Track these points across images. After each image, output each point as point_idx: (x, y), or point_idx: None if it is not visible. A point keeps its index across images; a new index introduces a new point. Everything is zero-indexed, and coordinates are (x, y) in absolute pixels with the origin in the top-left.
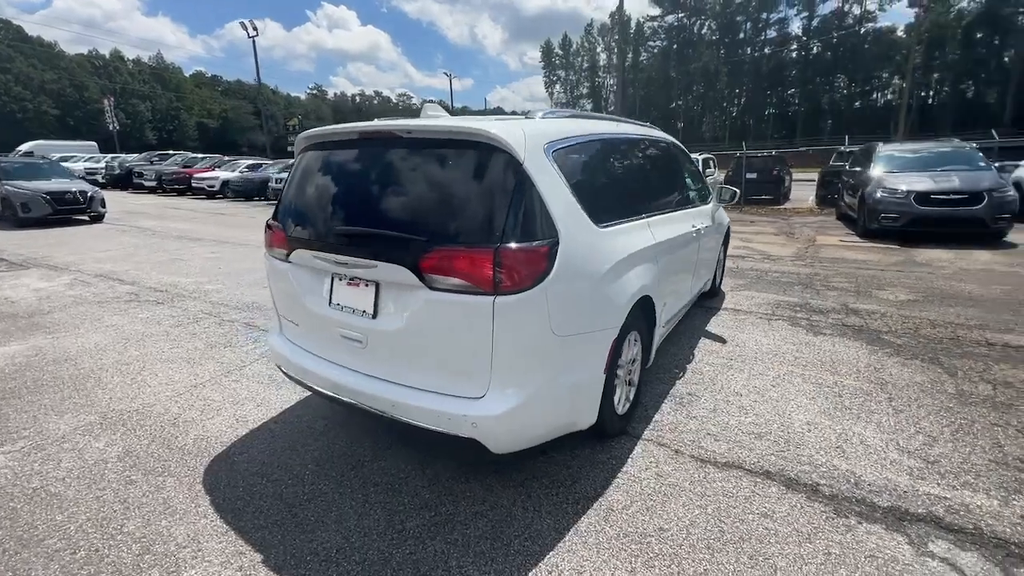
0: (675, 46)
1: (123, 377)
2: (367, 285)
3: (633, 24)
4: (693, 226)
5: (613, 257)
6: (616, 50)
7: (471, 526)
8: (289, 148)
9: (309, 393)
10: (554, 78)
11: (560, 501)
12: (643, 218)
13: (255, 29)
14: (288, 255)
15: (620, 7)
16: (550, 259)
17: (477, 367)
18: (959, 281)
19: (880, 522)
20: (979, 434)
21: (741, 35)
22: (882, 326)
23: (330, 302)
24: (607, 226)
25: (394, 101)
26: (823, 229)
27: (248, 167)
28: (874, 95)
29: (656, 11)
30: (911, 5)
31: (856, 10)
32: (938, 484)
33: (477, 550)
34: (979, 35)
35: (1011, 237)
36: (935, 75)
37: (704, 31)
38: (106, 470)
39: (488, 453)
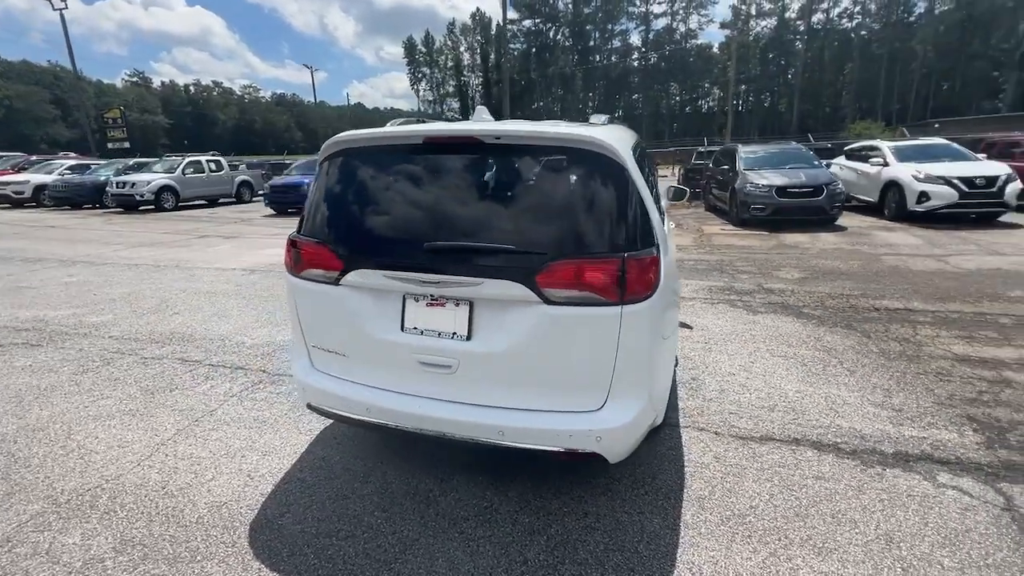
0: (534, 50)
1: (48, 447)
2: (457, 304)
3: (494, 27)
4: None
5: (672, 256)
6: (479, 50)
7: (590, 541)
8: (112, 145)
9: (321, 431)
10: (419, 75)
11: (653, 498)
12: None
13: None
14: (340, 277)
15: (504, 9)
16: (658, 265)
17: (596, 379)
18: (825, 259)
19: (897, 466)
20: (913, 383)
21: (591, 43)
22: (797, 301)
23: (403, 327)
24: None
25: (238, 93)
26: (702, 220)
27: (71, 168)
28: (699, 102)
29: (514, 15)
30: (723, 27)
31: (682, 27)
32: (914, 427)
33: (612, 564)
34: (771, 55)
35: (841, 221)
36: (742, 87)
37: (559, 37)
38: (111, 572)
39: (603, 463)
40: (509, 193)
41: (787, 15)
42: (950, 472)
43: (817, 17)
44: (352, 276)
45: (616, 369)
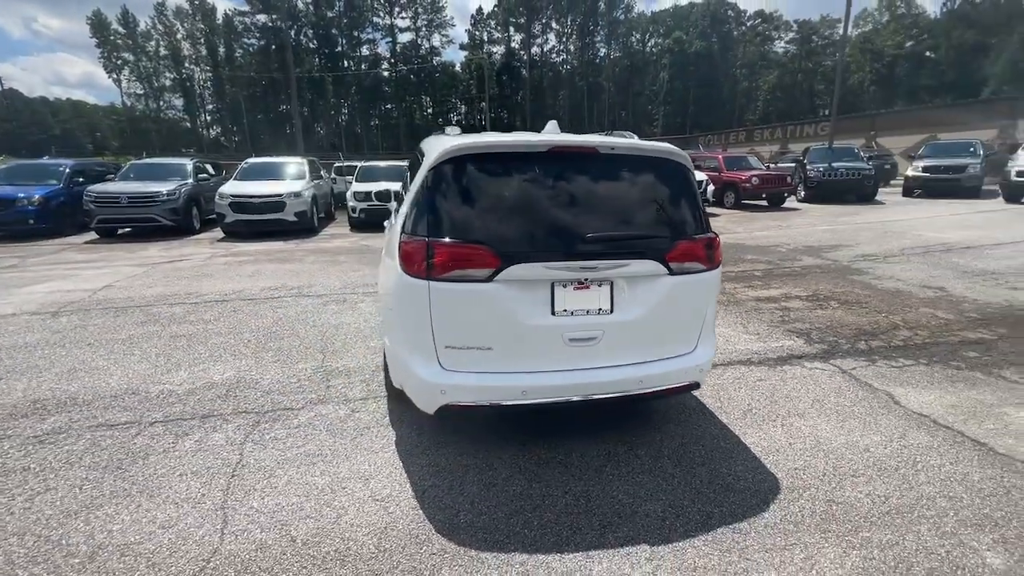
0: (273, 48)
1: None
2: (600, 285)
3: (220, 16)
4: None
5: None
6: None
7: (686, 448)
8: None
9: (388, 441)
10: (118, 62)
11: (692, 416)
12: None
13: None
14: (495, 274)
15: None
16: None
17: (694, 328)
18: None
19: (783, 364)
20: (748, 317)
21: (339, 48)
22: None
23: (553, 311)
24: None
25: None
26: None
27: None
28: (450, 115)
29: (245, 7)
30: (463, 48)
31: (427, 44)
32: (774, 342)
33: (704, 450)
34: (504, 77)
35: None
36: (482, 104)
37: (302, 38)
38: None
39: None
40: (623, 192)
41: (512, 45)
42: (807, 361)
43: (535, 50)
44: (510, 271)
45: (704, 318)
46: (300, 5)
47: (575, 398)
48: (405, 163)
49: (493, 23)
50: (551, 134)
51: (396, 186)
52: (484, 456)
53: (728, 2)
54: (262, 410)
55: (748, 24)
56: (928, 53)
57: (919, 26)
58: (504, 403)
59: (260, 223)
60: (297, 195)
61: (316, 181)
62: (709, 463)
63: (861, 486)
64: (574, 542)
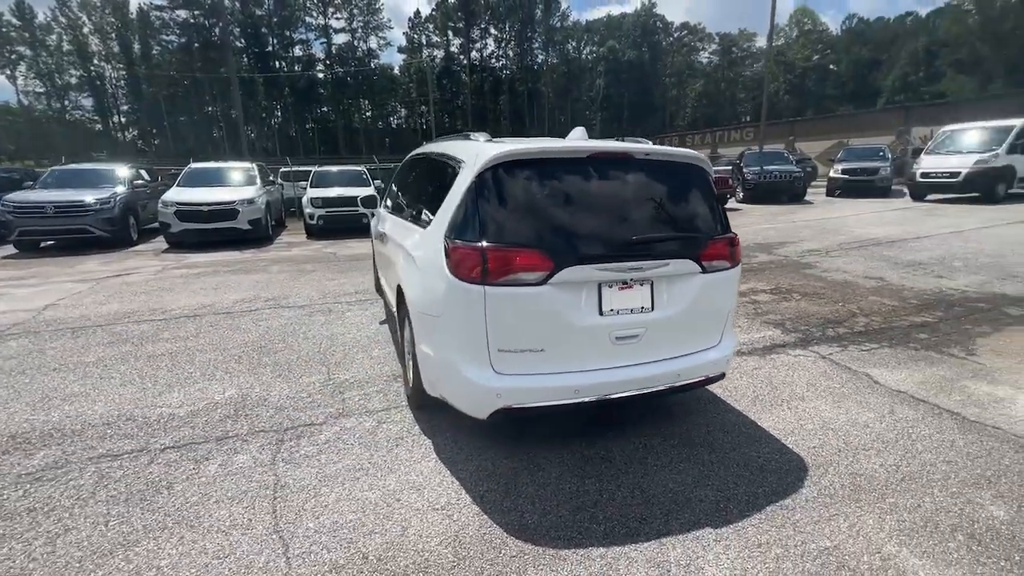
0: (196, 46)
1: None
2: (642, 284)
3: (134, 9)
4: None
5: None
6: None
7: (712, 434)
8: None
9: (428, 446)
10: (12, 56)
11: (713, 405)
12: None
13: None
14: (548, 277)
15: None
16: None
17: (720, 321)
18: None
19: (772, 353)
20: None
21: (269, 48)
22: None
23: (601, 311)
24: None
25: None
26: None
27: None
28: (390, 119)
29: (162, 1)
30: (400, 51)
31: (364, 46)
32: (758, 333)
33: (727, 435)
34: (445, 81)
35: None
36: (423, 107)
37: (229, 36)
38: None
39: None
40: (656, 195)
41: (451, 49)
42: (790, 349)
43: (474, 55)
44: (562, 274)
45: (728, 312)
46: (227, 2)
47: (622, 394)
48: (361, 167)
49: (431, 27)
50: (580, 140)
51: (358, 191)
52: (528, 457)
53: (656, 14)
54: (281, 428)
55: (675, 35)
56: (832, 66)
57: (823, 42)
58: (558, 403)
59: (211, 232)
60: (250, 202)
61: (268, 187)
62: (739, 448)
63: (873, 458)
64: (643, 532)
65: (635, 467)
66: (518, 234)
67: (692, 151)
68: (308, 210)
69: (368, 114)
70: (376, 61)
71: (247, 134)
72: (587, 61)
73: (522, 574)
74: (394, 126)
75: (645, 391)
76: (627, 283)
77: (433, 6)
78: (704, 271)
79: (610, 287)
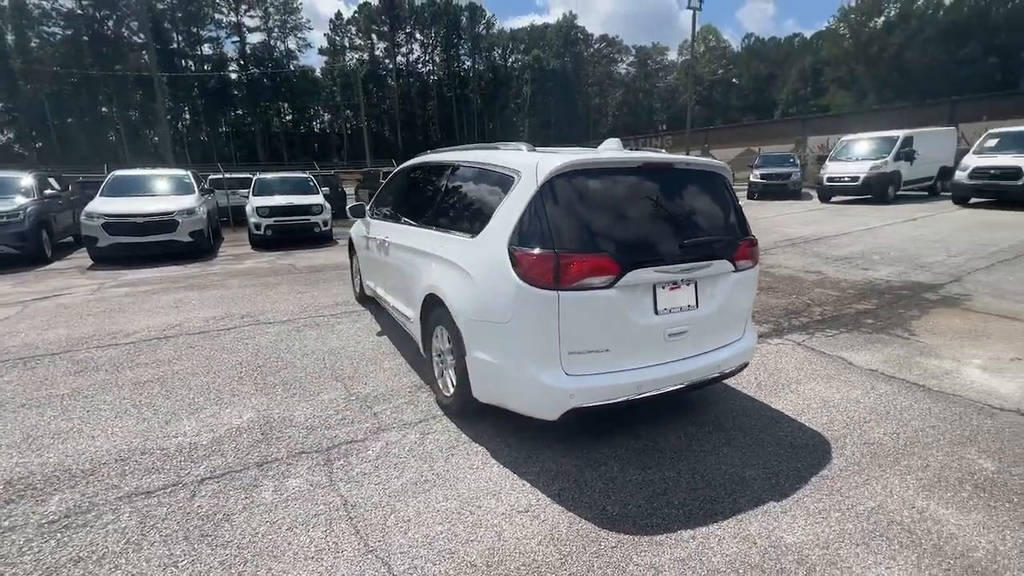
0: (86, 39)
1: None
2: (688, 284)
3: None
4: None
5: None
6: None
7: (740, 416)
8: None
9: (486, 453)
10: None
11: (733, 392)
12: None
13: None
14: (615, 280)
15: None
16: None
17: (744, 317)
18: None
19: (771, 339)
20: None
21: (174, 45)
22: None
23: (656, 311)
24: None
25: None
26: None
27: None
28: (312, 123)
29: None
30: (321, 53)
31: (281, 46)
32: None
33: (749, 419)
34: (371, 86)
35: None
36: (348, 112)
37: (123, 31)
38: None
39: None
40: (693, 201)
41: (376, 53)
42: (768, 339)
43: (400, 59)
44: (628, 277)
45: (749, 307)
46: None
47: (676, 387)
48: (307, 174)
49: (354, 29)
50: (622, 151)
51: (308, 199)
52: (583, 455)
53: (577, 25)
54: (322, 447)
55: (595, 47)
56: (734, 80)
57: (727, 57)
58: (623, 399)
59: (146, 246)
60: (191, 212)
61: (206, 196)
62: (766, 429)
63: (875, 429)
64: (718, 511)
65: (685, 454)
66: (583, 241)
67: (717, 160)
68: (254, 220)
69: (288, 118)
70: (296, 63)
71: (149, 137)
72: (513, 69)
73: (628, 562)
74: (317, 130)
75: (694, 383)
76: (676, 284)
77: (355, 8)
78: (736, 270)
79: (663, 288)
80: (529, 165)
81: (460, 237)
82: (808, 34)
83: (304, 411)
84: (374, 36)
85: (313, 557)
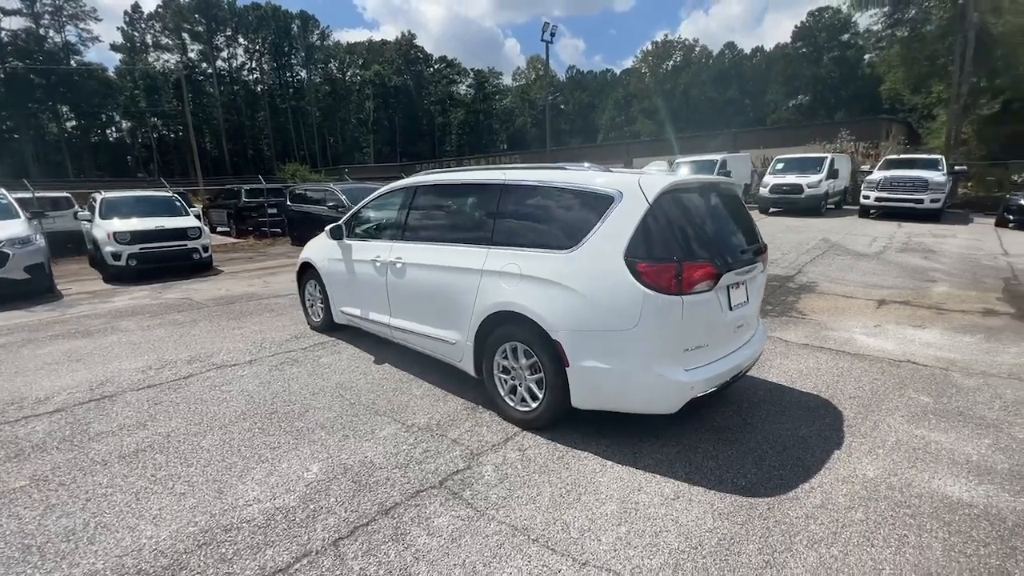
0: None
1: None
2: (743, 284)
3: None
4: None
5: None
6: None
7: (766, 395)
8: None
9: (592, 458)
10: None
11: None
12: None
13: None
14: (715, 284)
15: None
16: None
17: (758, 311)
18: None
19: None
20: None
21: None
22: None
23: (730, 307)
24: None
25: None
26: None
27: None
28: (107, 130)
29: None
30: (115, 49)
31: (58, 37)
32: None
33: (768, 405)
34: (189, 93)
35: None
36: (154, 119)
37: None
38: None
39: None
40: (733, 213)
41: (190, 55)
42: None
43: (221, 64)
44: (723, 280)
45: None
46: None
47: (739, 373)
48: (167, 192)
49: (159, 26)
50: (662, 171)
51: (181, 222)
52: (677, 443)
53: (416, 45)
54: (434, 482)
55: (435, 67)
56: (562, 106)
57: (554, 85)
58: (720, 385)
59: None
60: (25, 242)
61: (36, 220)
62: (783, 399)
63: (846, 386)
64: (808, 465)
65: (748, 429)
66: (690, 250)
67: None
68: (110, 248)
69: (71, 123)
70: (79, 58)
71: None
72: (353, 83)
73: (788, 518)
74: (113, 139)
75: (744, 369)
76: (739, 284)
77: (160, 3)
78: (762, 271)
79: (732, 288)
80: (630, 185)
81: (546, 253)
82: (618, 70)
83: (375, 451)
84: (186, 36)
85: None
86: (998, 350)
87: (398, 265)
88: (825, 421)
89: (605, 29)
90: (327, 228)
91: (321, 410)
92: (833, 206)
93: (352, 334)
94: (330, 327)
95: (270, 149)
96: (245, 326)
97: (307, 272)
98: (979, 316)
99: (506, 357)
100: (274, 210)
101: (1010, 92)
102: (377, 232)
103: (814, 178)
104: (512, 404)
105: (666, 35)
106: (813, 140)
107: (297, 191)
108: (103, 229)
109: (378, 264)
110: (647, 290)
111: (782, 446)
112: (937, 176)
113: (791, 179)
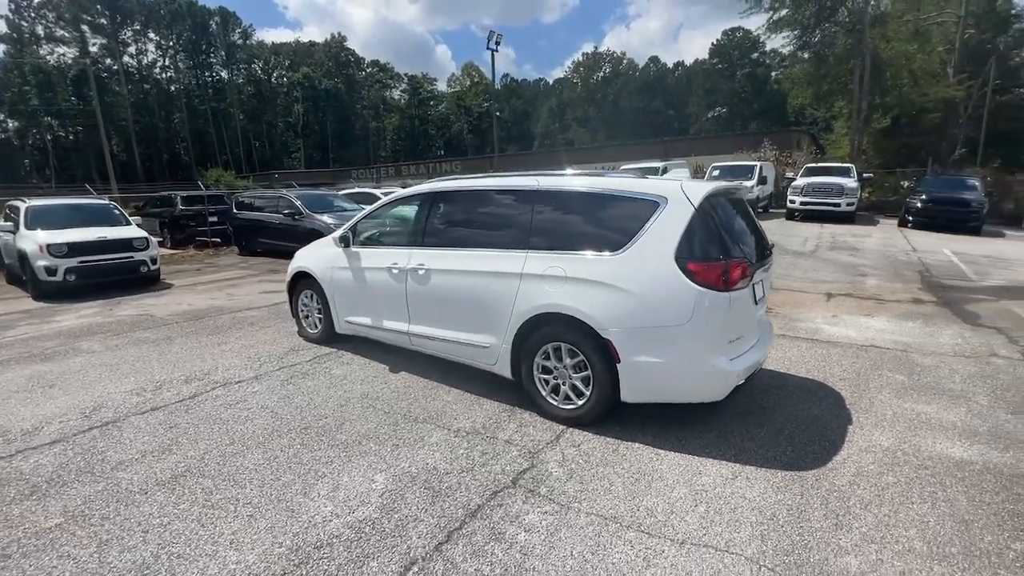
0: None
1: None
2: (760, 280)
3: None
4: None
5: None
6: None
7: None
8: None
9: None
10: None
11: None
12: None
13: None
14: (750, 280)
15: None
16: None
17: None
18: None
19: None
20: None
21: None
22: None
23: (755, 301)
24: None
25: None
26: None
27: None
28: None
29: None
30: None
31: None
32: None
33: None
34: (87, 90)
35: None
36: (48, 119)
37: None
38: None
39: None
40: (749, 215)
41: (92, 48)
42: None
43: (129, 61)
44: (755, 276)
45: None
46: None
47: (761, 362)
48: (104, 200)
49: (52, 16)
50: (687, 176)
51: (122, 232)
52: (714, 429)
53: (347, 48)
54: (504, 484)
55: (367, 70)
56: (498, 113)
57: (489, 92)
58: (751, 374)
59: None
60: None
61: None
62: (787, 384)
63: (833, 369)
64: (833, 439)
65: (768, 412)
66: (731, 250)
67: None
68: (43, 263)
69: None
70: None
71: None
72: (281, 85)
73: (836, 487)
74: None
75: (766, 357)
76: (760, 280)
77: None
78: (768, 268)
79: (755, 284)
80: (674, 191)
81: (592, 256)
82: (551, 80)
83: (433, 457)
84: (86, 28)
85: (644, 569)
86: (937, 332)
87: (420, 272)
88: (829, 401)
89: (534, 40)
90: (333, 236)
91: (357, 421)
92: (762, 209)
93: (353, 344)
94: (329, 338)
95: (188, 153)
96: (229, 341)
97: (301, 282)
98: (911, 304)
99: (547, 358)
100: (215, 218)
101: (897, 109)
102: (390, 239)
103: (747, 184)
104: (555, 403)
105: (595, 47)
106: (739, 148)
107: (244, 198)
108: (32, 241)
109: (395, 271)
110: (699, 288)
111: (803, 425)
112: (850, 182)
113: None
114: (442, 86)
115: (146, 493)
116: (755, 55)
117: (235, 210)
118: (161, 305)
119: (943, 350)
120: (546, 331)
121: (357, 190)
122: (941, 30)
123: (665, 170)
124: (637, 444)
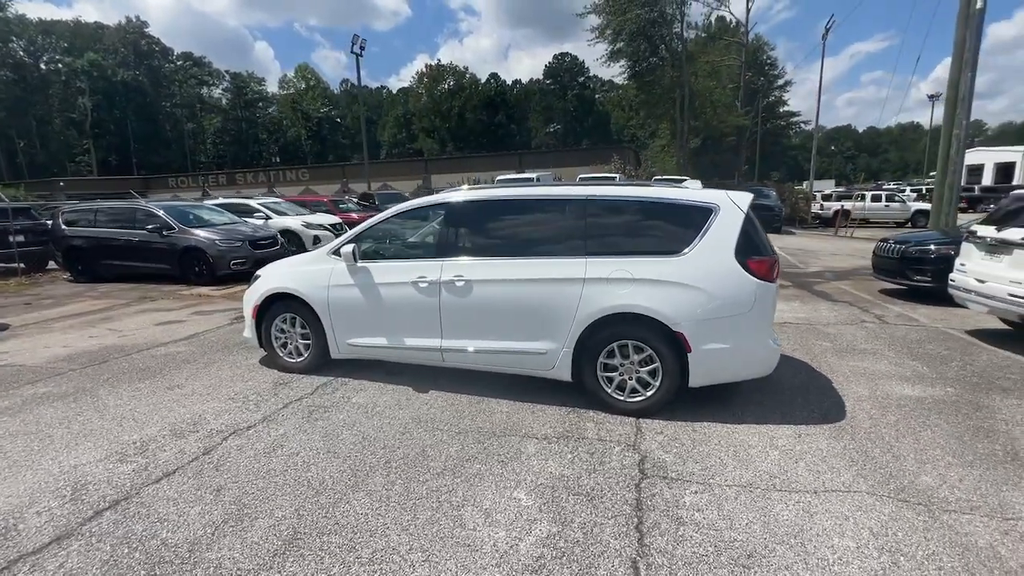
0: None
1: None
2: None
3: None
4: None
5: None
6: None
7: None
8: None
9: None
10: None
11: None
12: None
13: None
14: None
15: None
16: None
17: None
18: None
19: None
20: None
21: None
22: None
23: None
24: None
25: None
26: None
27: None
28: None
29: None
30: None
31: None
32: None
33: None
34: None
35: None
36: None
37: None
38: None
39: None
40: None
41: None
42: None
43: None
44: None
45: None
46: None
47: None
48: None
49: None
50: (698, 187)
51: None
52: (753, 402)
53: (150, 35)
54: (636, 476)
55: (178, 63)
56: (339, 119)
57: (328, 97)
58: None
59: None
60: None
61: None
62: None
63: (787, 344)
64: (835, 408)
65: (768, 383)
66: (769, 249)
67: None
68: None
69: None
70: None
71: None
72: (56, 73)
73: (866, 429)
74: None
75: None
76: None
77: None
78: None
79: None
80: (723, 199)
81: (654, 259)
82: (395, 88)
83: (551, 467)
84: None
85: (810, 518)
86: (815, 309)
87: (459, 283)
88: (801, 368)
89: (367, 46)
90: (324, 251)
91: (436, 446)
92: None
93: (345, 368)
94: (321, 366)
95: None
96: (182, 384)
97: (275, 306)
98: (781, 289)
99: (611, 356)
100: (21, 237)
101: (704, 132)
102: (411, 251)
103: None
104: (620, 397)
105: (438, 60)
106: (588, 162)
107: (74, 213)
108: None
109: (423, 285)
110: (756, 280)
111: (802, 390)
112: None
113: None
114: (272, 87)
115: (271, 569)
116: (582, 78)
117: (64, 226)
118: (17, 352)
119: (831, 321)
120: (611, 331)
121: (224, 200)
122: (730, 71)
123: (538, 179)
124: (707, 423)
